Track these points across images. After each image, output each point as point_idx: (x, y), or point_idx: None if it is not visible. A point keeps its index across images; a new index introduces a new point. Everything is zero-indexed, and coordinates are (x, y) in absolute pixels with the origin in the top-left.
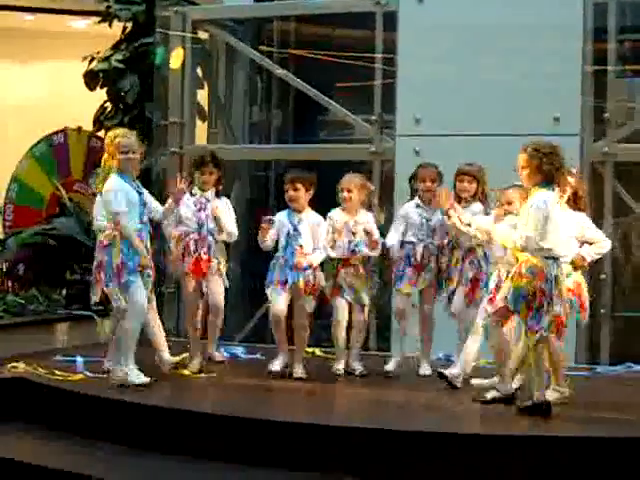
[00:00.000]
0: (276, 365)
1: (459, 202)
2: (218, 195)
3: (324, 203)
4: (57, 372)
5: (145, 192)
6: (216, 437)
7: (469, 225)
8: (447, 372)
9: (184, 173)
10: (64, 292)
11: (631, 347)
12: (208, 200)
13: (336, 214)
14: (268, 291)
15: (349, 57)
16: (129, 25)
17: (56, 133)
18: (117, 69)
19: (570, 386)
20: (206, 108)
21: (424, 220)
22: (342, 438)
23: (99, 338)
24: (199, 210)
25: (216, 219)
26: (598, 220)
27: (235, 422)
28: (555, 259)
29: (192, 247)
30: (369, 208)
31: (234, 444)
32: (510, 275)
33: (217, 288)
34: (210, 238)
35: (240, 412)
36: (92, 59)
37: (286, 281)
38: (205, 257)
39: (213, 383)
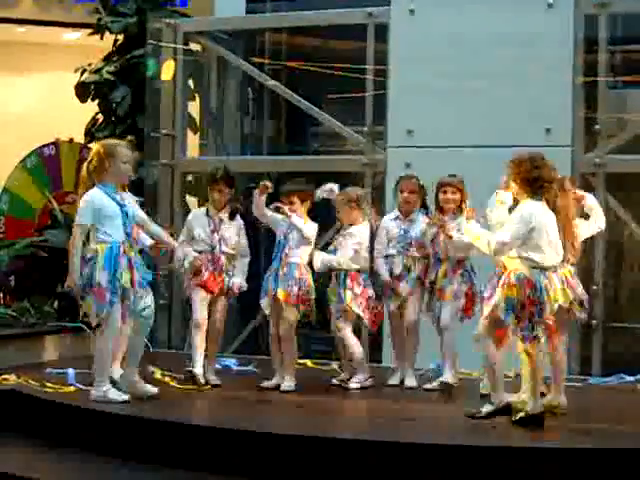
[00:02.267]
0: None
1: (442, 213)
2: (233, 216)
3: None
4: (48, 384)
5: (131, 204)
6: (211, 449)
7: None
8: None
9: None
10: (55, 304)
11: (623, 358)
12: (222, 221)
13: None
14: (262, 302)
15: (341, 69)
16: (121, 37)
17: (47, 145)
18: (109, 81)
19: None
20: (198, 120)
21: (402, 232)
22: (336, 451)
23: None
24: (212, 232)
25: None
26: None
27: (232, 435)
28: (542, 269)
29: (203, 268)
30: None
31: (233, 457)
32: (500, 284)
33: (220, 310)
34: (222, 259)
35: (236, 425)
36: (84, 71)
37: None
38: (218, 278)
39: (207, 395)
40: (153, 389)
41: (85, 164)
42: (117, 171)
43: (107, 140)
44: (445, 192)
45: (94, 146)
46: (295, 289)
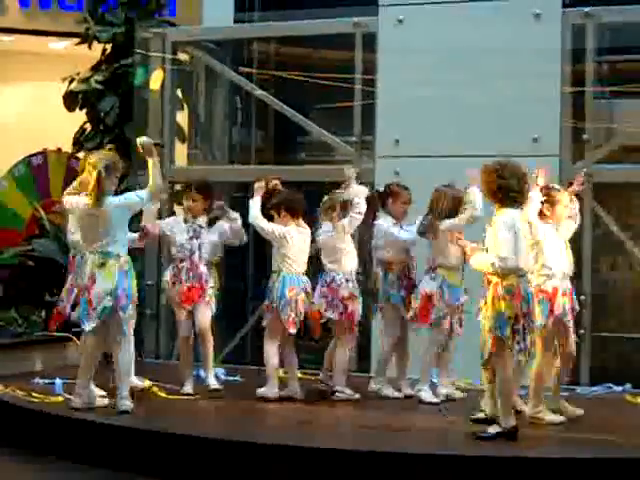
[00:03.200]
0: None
1: None
2: (212, 223)
3: None
4: (35, 394)
5: None
6: (203, 460)
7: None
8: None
9: None
10: (43, 313)
11: (611, 368)
12: (201, 227)
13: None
14: None
15: (329, 78)
16: (109, 46)
17: (35, 154)
18: (97, 90)
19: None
20: (186, 129)
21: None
22: (326, 461)
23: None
24: (191, 238)
25: None
26: (578, 240)
27: (222, 445)
28: (523, 276)
29: (183, 276)
30: None
31: (224, 467)
32: (489, 299)
33: (203, 316)
34: (202, 267)
35: (228, 435)
36: (72, 80)
37: None
38: (197, 285)
39: (196, 405)
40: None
41: (99, 173)
42: (114, 183)
43: (112, 153)
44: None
45: (107, 156)
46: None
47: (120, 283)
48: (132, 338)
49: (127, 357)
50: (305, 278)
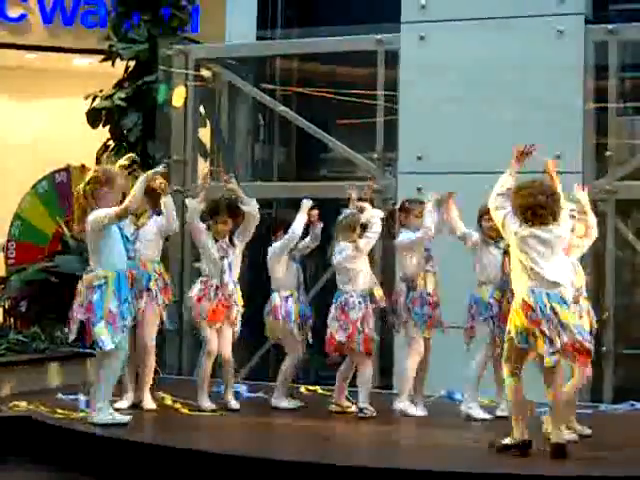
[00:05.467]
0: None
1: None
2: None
3: None
4: (59, 410)
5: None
6: (223, 477)
7: None
8: None
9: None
10: (66, 330)
11: (635, 385)
12: (228, 247)
13: None
14: None
15: (351, 95)
16: (132, 64)
17: (59, 171)
18: (120, 107)
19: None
20: (208, 146)
21: (427, 253)
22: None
23: None
24: (221, 258)
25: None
26: (600, 257)
27: (240, 462)
28: None
29: (212, 293)
30: None
31: None
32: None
33: (227, 339)
34: (231, 286)
35: (248, 452)
36: (95, 97)
37: None
38: (225, 304)
39: (218, 421)
40: None
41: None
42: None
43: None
44: (489, 220)
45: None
46: None
47: (86, 296)
48: (122, 354)
49: (109, 371)
50: (273, 296)
